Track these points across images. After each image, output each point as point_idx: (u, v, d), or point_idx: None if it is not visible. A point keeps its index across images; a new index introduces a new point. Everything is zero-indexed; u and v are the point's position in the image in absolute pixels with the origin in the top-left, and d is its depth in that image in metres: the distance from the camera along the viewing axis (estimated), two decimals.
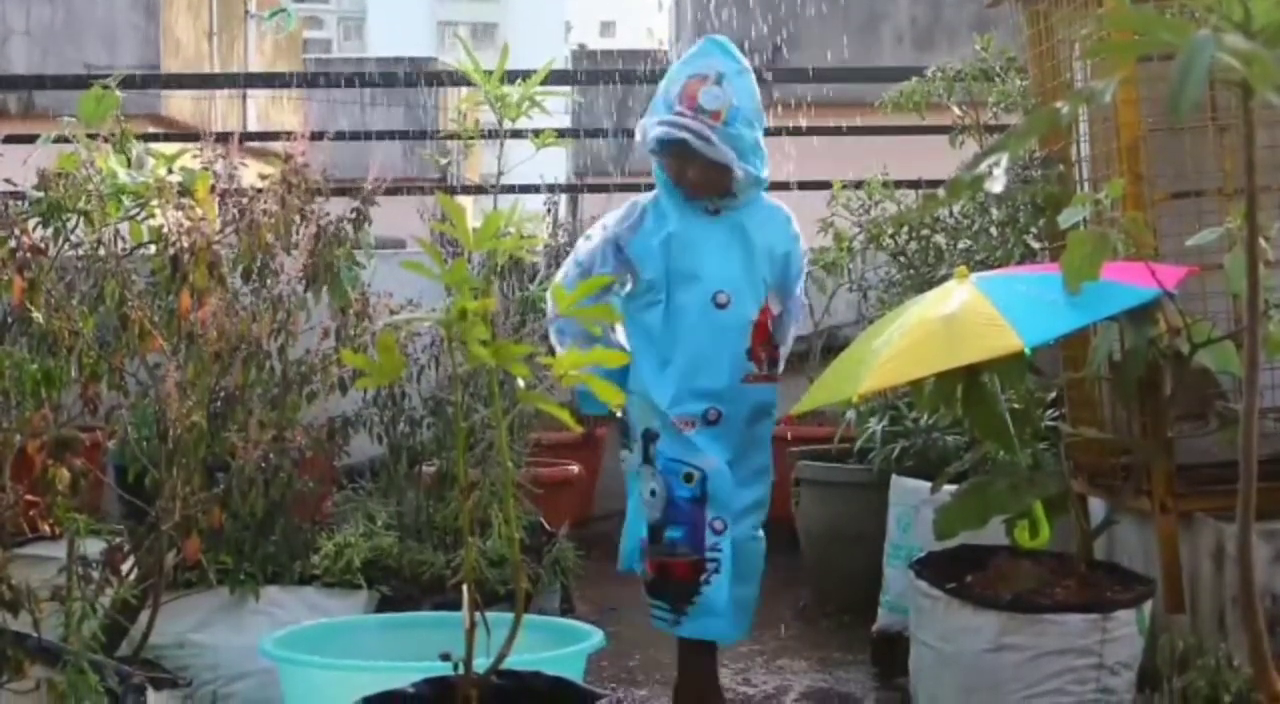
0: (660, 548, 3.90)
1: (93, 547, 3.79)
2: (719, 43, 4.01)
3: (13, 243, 4.02)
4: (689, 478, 3.88)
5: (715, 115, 3.86)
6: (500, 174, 4.94)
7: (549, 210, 6.61)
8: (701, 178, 3.91)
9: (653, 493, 3.92)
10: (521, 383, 2.38)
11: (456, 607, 3.69)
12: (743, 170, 3.89)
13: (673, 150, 3.91)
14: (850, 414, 5.58)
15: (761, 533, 4.08)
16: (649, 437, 3.94)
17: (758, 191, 4.04)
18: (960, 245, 5.25)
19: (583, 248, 4.04)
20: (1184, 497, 3.82)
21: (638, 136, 3.98)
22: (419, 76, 13.36)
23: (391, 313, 4.54)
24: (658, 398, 3.87)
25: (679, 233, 3.93)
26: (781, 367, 4.16)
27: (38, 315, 3.98)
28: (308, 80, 14.89)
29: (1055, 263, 3.58)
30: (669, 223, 3.95)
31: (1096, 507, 4.10)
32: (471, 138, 5.23)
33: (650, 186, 4.11)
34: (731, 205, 3.98)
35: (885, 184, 5.74)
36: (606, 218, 4.09)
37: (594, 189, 9.97)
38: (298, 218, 4.48)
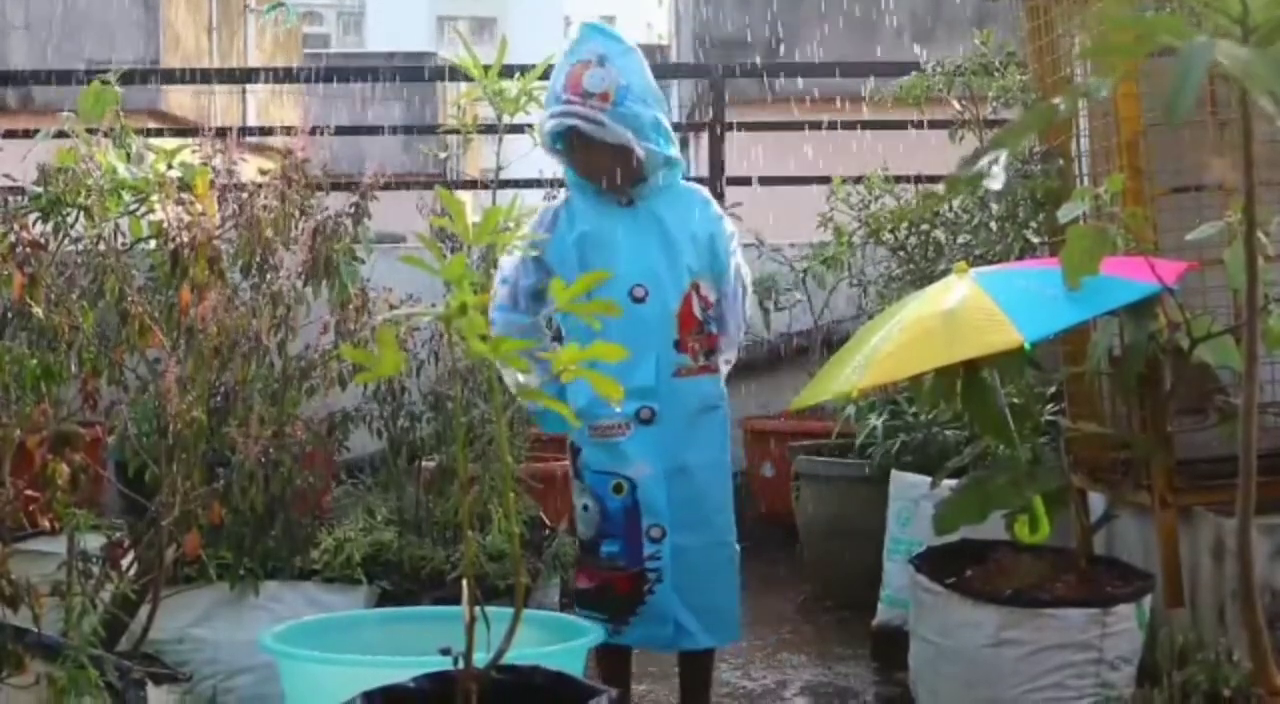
0: (599, 562, 3.84)
1: (93, 542, 3.79)
2: (596, 27, 3.92)
3: (12, 238, 4.02)
4: (618, 488, 3.80)
5: (604, 97, 3.77)
6: (499, 169, 4.93)
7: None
8: (607, 164, 3.82)
9: (585, 508, 3.85)
10: (520, 377, 2.38)
11: (456, 601, 3.70)
12: (644, 149, 3.78)
13: (571, 141, 3.85)
14: (850, 409, 5.58)
15: (732, 538, 3.95)
16: (574, 450, 3.88)
17: (673, 176, 3.94)
18: (960, 240, 5.25)
19: (505, 263, 3.93)
20: (1183, 491, 3.82)
21: (536, 138, 3.95)
22: (419, 71, 13.36)
23: (391, 308, 4.55)
24: (577, 402, 3.55)
25: (591, 232, 3.86)
26: (725, 357, 4.00)
27: (37, 310, 3.98)
28: (307, 75, 14.84)
29: (1055, 258, 3.59)
30: (580, 223, 3.88)
31: (1096, 501, 4.10)
32: (470, 133, 5.22)
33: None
34: (644, 193, 3.89)
35: (885, 179, 5.75)
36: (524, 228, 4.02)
37: None
38: (297, 213, 4.49)
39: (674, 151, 3.90)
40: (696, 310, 3.90)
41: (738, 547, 3.99)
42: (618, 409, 3.71)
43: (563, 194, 4.03)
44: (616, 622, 3.81)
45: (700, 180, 7.76)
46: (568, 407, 2.49)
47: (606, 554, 3.82)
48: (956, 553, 3.73)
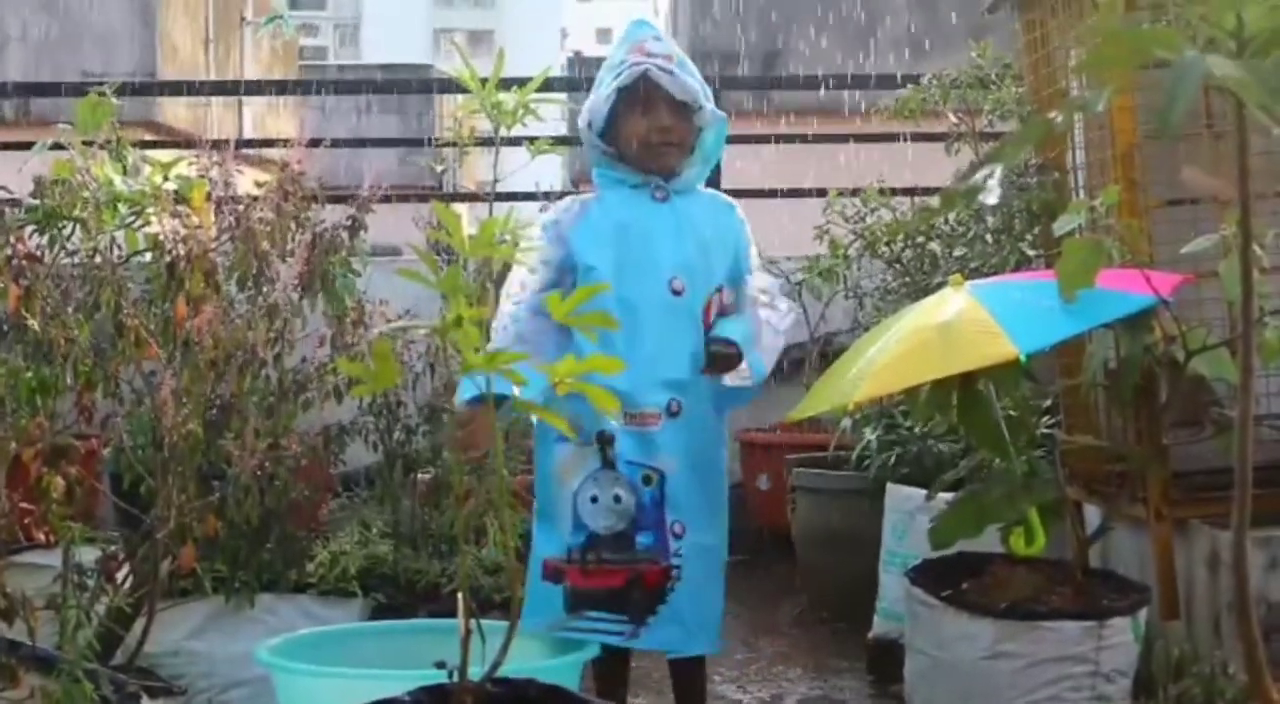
0: (634, 555, 3.73)
1: (88, 555, 3.79)
2: (644, 21, 4.00)
3: (8, 250, 4.03)
4: (648, 479, 3.73)
5: (668, 58, 3.82)
6: (496, 181, 4.94)
7: None
8: (667, 122, 3.81)
9: (617, 499, 3.73)
10: (516, 390, 2.38)
11: (452, 615, 3.68)
12: (709, 109, 3.84)
13: (637, 99, 3.82)
14: (846, 422, 5.58)
15: (724, 545, 3.91)
16: (604, 439, 3.74)
17: (700, 177, 3.97)
18: (955, 253, 5.26)
19: (516, 281, 3.85)
20: (1179, 504, 3.82)
21: (582, 122, 3.89)
22: (415, 84, 13.38)
23: (387, 321, 4.55)
24: (619, 386, 3.49)
25: (631, 222, 3.83)
26: (763, 352, 3.91)
27: (33, 323, 3.98)
28: (304, 87, 14.90)
29: (1051, 270, 3.59)
30: (618, 213, 3.85)
31: (1092, 514, 4.10)
32: (467, 145, 5.23)
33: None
34: (677, 188, 3.89)
35: (881, 191, 5.75)
36: (544, 217, 3.96)
37: None
38: (293, 225, 4.49)
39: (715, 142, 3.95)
40: (716, 312, 3.90)
41: (726, 555, 3.96)
42: (614, 422, 3.69)
43: (590, 194, 4.00)
44: (635, 623, 3.72)
45: None
46: (563, 419, 2.48)
47: (643, 546, 3.75)
48: (953, 565, 3.72)
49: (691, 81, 3.82)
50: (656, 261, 3.81)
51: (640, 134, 3.85)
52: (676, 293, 3.81)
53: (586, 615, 3.72)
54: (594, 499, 3.74)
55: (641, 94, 3.83)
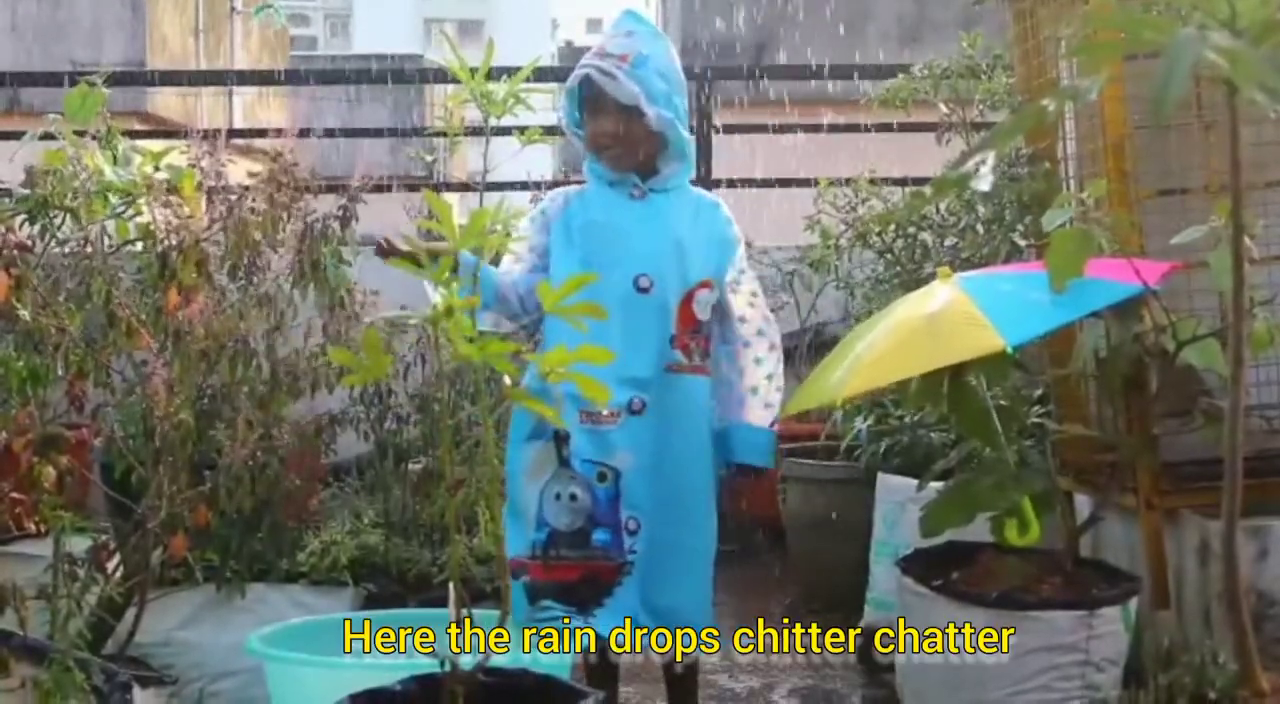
0: (590, 552, 3.73)
1: (79, 544, 3.78)
2: (632, 12, 3.95)
3: None
4: (602, 477, 3.73)
5: (622, 58, 3.79)
6: (486, 171, 4.93)
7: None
8: (613, 127, 3.81)
9: (574, 497, 3.74)
10: (507, 380, 2.38)
11: (443, 604, 3.69)
12: (653, 112, 3.77)
13: (585, 103, 3.84)
14: (837, 412, 5.59)
15: (708, 540, 3.86)
16: (561, 438, 3.76)
17: (684, 174, 3.94)
18: (946, 243, 5.25)
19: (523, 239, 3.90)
20: (1169, 493, 3.82)
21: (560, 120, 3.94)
22: (405, 74, 13.36)
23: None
24: (572, 387, 3.51)
25: (601, 220, 3.83)
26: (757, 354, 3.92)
27: (24, 313, 3.97)
28: (294, 77, 14.85)
29: (1040, 261, 3.59)
30: (591, 210, 3.85)
31: (1083, 503, 4.10)
32: (457, 135, 5.22)
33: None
34: (657, 186, 3.88)
35: (872, 181, 5.75)
36: (535, 206, 4.01)
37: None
38: (285, 215, 4.48)
39: (687, 135, 3.89)
40: (698, 310, 3.88)
41: (714, 548, 3.94)
42: (604, 410, 3.69)
43: (578, 187, 4.00)
44: (584, 615, 3.72)
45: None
46: (552, 409, 2.48)
47: (600, 542, 3.75)
48: (943, 555, 3.73)
49: (634, 87, 3.77)
50: (621, 259, 3.79)
51: (596, 135, 3.86)
52: (643, 290, 3.79)
53: (541, 605, 3.73)
54: (557, 497, 3.76)
55: (588, 98, 3.83)
